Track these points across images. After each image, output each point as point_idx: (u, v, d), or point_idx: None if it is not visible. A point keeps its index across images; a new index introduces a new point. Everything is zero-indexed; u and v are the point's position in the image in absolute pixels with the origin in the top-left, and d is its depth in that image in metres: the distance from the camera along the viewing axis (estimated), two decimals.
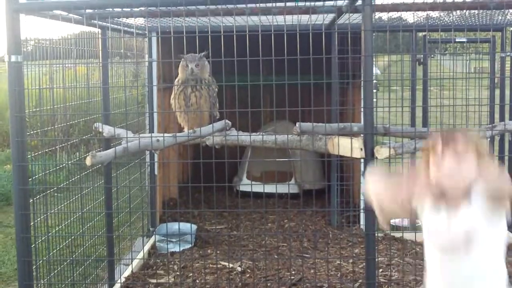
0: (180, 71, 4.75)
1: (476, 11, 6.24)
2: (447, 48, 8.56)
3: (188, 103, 4.63)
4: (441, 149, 2.66)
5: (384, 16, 7.40)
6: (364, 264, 5.77)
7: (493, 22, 7.00)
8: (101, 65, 5.43)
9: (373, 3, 3.90)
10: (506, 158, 7.06)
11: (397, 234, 6.95)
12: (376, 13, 5.52)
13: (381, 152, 3.91)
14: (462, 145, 2.65)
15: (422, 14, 6.70)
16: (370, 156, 3.91)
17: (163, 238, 6.91)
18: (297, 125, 4.21)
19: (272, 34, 3.96)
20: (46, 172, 4.98)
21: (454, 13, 6.59)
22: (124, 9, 4.44)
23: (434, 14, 7.00)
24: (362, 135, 4.04)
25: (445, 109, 6.33)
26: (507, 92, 7.03)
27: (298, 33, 3.94)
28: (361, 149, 3.91)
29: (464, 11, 6.27)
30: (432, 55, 8.26)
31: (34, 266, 4.48)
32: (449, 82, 7.06)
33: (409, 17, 6.98)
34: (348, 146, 3.98)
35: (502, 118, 6.89)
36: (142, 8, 4.45)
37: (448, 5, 4.41)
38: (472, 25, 7.00)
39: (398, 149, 3.99)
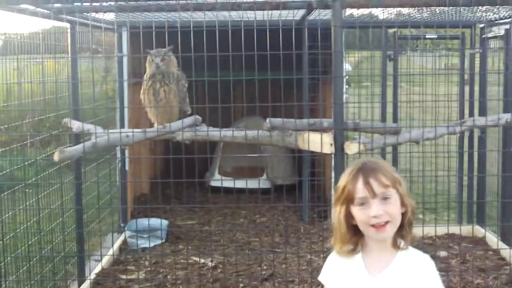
0: (147, 66, 4.73)
1: (446, 8, 6.28)
2: (417, 45, 8.61)
3: (157, 98, 4.60)
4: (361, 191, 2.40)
5: (355, 12, 7.42)
6: None
7: (462, 19, 7.06)
8: (70, 60, 5.38)
9: None
10: (475, 154, 7.14)
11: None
12: (347, 9, 5.53)
13: (351, 148, 3.92)
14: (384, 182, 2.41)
15: (392, 10, 6.73)
16: (340, 151, 3.92)
17: (134, 234, 6.88)
18: (267, 120, 4.21)
19: (242, 30, 3.95)
20: (14, 167, 4.92)
21: (424, 10, 6.63)
22: (93, 4, 4.39)
23: (405, 10, 7.04)
24: (332, 130, 4.05)
25: (415, 105, 6.39)
26: (476, 88, 7.09)
27: (268, 29, 3.94)
28: (331, 144, 3.93)
29: (434, 8, 6.31)
30: (402, 52, 8.30)
31: (2, 263, 4.43)
32: (419, 78, 7.11)
33: (380, 13, 7.02)
34: (318, 142, 3.99)
35: (471, 114, 6.96)
36: (112, 3, 4.41)
37: (417, 2, 4.42)
38: (441, 22, 7.05)
39: (367, 145, 4.01)
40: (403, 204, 2.44)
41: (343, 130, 4.01)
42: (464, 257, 6.21)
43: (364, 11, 6.65)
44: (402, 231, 2.46)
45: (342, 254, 2.53)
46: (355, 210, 2.42)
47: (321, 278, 2.62)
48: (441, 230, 6.58)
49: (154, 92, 4.63)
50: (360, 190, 2.39)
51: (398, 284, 2.43)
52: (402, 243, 2.46)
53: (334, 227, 2.53)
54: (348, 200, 2.43)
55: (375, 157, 2.73)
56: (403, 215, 2.45)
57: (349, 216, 2.45)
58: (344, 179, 2.46)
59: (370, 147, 4.06)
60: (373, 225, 2.40)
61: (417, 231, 5.94)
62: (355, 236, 2.48)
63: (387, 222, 2.39)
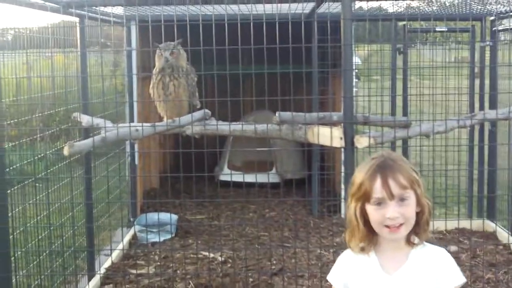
0: (156, 60, 4.71)
1: (455, 1, 6.25)
2: (427, 38, 8.56)
3: (166, 92, 4.59)
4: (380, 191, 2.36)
5: (365, 5, 7.40)
6: None
7: (472, 12, 7.02)
8: (79, 54, 5.38)
9: None
10: (486, 147, 7.10)
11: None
12: (356, 2, 5.51)
13: (361, 142, 3.91)
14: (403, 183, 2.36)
15: (402, 3, 6.70)
16: (350, 145, 3.90)
17: (143, 228, 6.88)
18: (277, 114, 4.20)
19: (251, 23, 3.93)
20: (24, 162, 4.93)
21: (434, 2, 6.60)
22: None
23: (414, 3, 7.01)
24: (342, 124, 4.03)
25: (425, 98, 6.35)
26: (487, 82, 7.05)
27: (277, 22, 3.92)
28: (341, 138, 3.91)
29: (444, 0, 6.28)
30: (412, 45, 8.26)
31: (13, 257, 4.44)
32: (429, 71, 7.08)
33: (389, 6, 6.99)
34: (328, 135, 3.98)
35: (481, 107, 6.92)
36: None
37: None
38: (452, 14, 7.01)
39: (377, 139, 3.99)
40: (419, 203, 2.39)
41: (353, 123, 3.99)
42: (475, 252, 6.19)
43: (374, 4, 6.62)
44: (417, 229, 2.42)
45: (357, 251, 2.49)
46: (370, 209, 2.38)
47: (329, 277, 2.59)
48: (451, 224, 6.56)
49: (163, 86, 4.62)
50: (378, 190, 2.35)
51: (417, 281, 2.40)
52: (416, 240, 2.43)
53: (349, 223, 2.49)
54: (365, 198, 2.39)
55: (392, 151, 2.63)
56: (419, 214, 2.40)
57: (364, 213, 2.41)
58: (361, 175, 2.41)
59: (380, 141, 4.04)
60: (387, 226, 2.36)
61: (434, 225, 5.94)
62: (370, 233, 2.44)
63: (401, 224, 2.36)
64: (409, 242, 2.43)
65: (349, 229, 2.50)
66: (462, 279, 2.42)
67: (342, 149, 4.16)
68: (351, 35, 3.87)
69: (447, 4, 6.85)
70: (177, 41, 4.58)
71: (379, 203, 2.35)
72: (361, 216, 2.42)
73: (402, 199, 2.35)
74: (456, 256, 5.89)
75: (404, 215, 2.34)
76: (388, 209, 2.33)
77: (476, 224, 6.83)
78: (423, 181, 2.46)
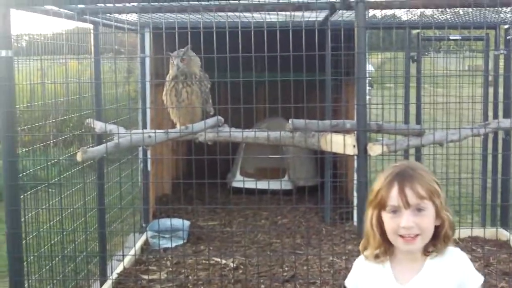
0: (170, 67, 4.73)
1: (470, 9, 6.23)
2: (441, 46, 8.55)
3: (179, 99, 4.60)
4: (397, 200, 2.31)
5: (378, 13, 7.39)
6: None
7: (486, 20, 7.00)
8: (93, 60, 5.41)
9: (366, 0, 3.88)
10: (499, 156, 7.07)
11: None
12: (370, 10, 5.50)
13: (374, 149, 3.90)
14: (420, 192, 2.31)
15: (416, 11, 6.69)
16: (363, 153, 3.90)
17: (155, 234, 6.89)
18: (290, 121, 4.20)
19: (265, 31, 3.94)
20: (37, 167, 4.95)
21: (447, 10, 6.58)
22: (116, 5, 4.40)
23: (428, 11, 7.00)
24: (355, 132, 4.03)
25: (438, 107, 6.34)
26: (501, 90, 7.02)
27: (291, 30, 3.92)
28: (354, 146, 3.90)
29: (458, 9, 6.26)
30: (426, 53, 8.25)
31: (25, 262, 4.45)
32: (442, 79, 7.07)
33: (403, 14, 6.98)
34: (341, 143, 3.97)
35: (495, 116, 6.89)
36: (134, 4, 4.42)
37: (441, 2, 4.39)
38: (466, 22, 6.99)
39: (391, 146, 3.98)
40: (438, 216, 2.34)
41: (366, 131, 3.98)
42: (488, 261, 6.15)
43: (387, 12, 6.62)
44: (436, 242, 2.36)
45: (372, 259, 2.45)
46: (386, 217, 2.35)
47: (347, 282, 2.56)
48: (465, 233, 6.52)
49: (176, 93, 4.63)
50: (394, 198, 2.31)
51: None
52: (431, 249, 2.38)
53: (366, 231, 2.45)
54: (381, 205, 2.35)
55: (415, 161, 2.58)
56: (438, 228, 2.35)
57: (381, 222, 2.38)
58: (379, 182, 2.38)
59: (393, 148, 4.03)
60: (401, 236, 2.32)
61: None
62: (386, 242, 2.40)
63: (417, 235, 2.31)
64: (425, 252, 2.38)
65: (365, 237, 2.46)
66: (480, 279, 2.39)
67: (355, 157, 4.15)
68: (365, 43, 3.86)
69: (461, 13, 6.83)
70: (186, 47, 4.58)
71: (395, 211, 2.32)
72: (377, 225, 2.39)
73: (418, 209, 2.30)
74: None
75: (419, 225, 2.30)
76: (403, 218, 2.29)
77: (490, 232, 6.79)
78: (444, 194, 2.40)
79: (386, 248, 2.42)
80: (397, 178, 2.33)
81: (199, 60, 4.71)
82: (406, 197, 2.29)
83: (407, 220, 2.29)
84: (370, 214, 2.41)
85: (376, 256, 2.44)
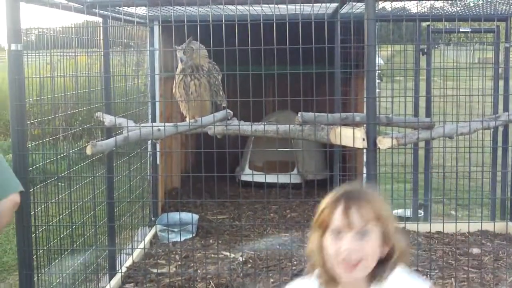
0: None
1: (480, 1, 6.20)
2: (451, 39, 8.50)
3: (188, 91, 4.59)
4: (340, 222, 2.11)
5: (388, 6, 7.35)
6: None
7: (497, 12, 6.95)
8: (102, 54, 5.41)
9: None
10: (510, 149, 7.03)
11: (400, 225, 6.91)
12: (380, 2, 5.48)
13: (384, 143, 3.87)
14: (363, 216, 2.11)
15: (425, 4, 6.66)
16: (372, 146, 3.87)
17: (164, 228, 6.89)
18: (299, 114, 4.18)
19: (274, 23, 3.92)
20: (47, 161, 4.95)
21: (458, 3, 6.54)
22: None
23: (438, 4, 6.95)
24: (364, 125, 4.01)
25: (448, 99, 6.31)
26: (511, 83, 6.98)
27: (300, 22, 3.90)
28: (364, 139, 3.88)
29: (468, 1, 6.23)
30: (436, 46, 8.20)
31: (35, 256, 4.46)
32: (452, 72, 7.03)
33: (412, 7, 6.95)
34: (351, 136, 3.95)
35: (506, 109, 6.86)
36: None
37: None
38: (476, 15, 6.95)
39: (400, 140, 3.96)
40: (386, 242, 2.13)
41: (376, 124, 3.96)
42: (497, 254, 6.12)
43: (397, 4, 6.58)
44: (383, 270, 2.15)
45: (323, 285, 2.23)
46: (327, 240, 2.13)
47: None
48: (474, 226, 6.50)
49: (185, 86, 4.62)
50: (337, 218, 2.10)
51: None
52: (377, 276, 2.16)
53: (309, 254, 2.23)
54: (323, 226, 2.14)
55: (368, 187, 2.31)
56: (388, 255, 2.14)
57: (323, 245, 2.16)
58: (325, 201, 2.17)
59: (403, 142, 4.01)
60: (342, 262, 2.09)
61: (450, 227, 5.89)
62: (329, 268, 2.17)
63: (359, 262, 2.08)
64: (371, 279, 2.16)
65: (309, 260, 2.26)
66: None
67: (364, 150, 4.13)
68: (375, 35, 3.84)
69: (472, 5, 6.79)
70: (188, 40, 4.56)
71: (338, 233, 2.10)
72: (319, 248, 2.17)
73: (363, 233, 2.09)
74: (478, 258, 5.88)
75: (362, 250, 2.08)
76: (345, 241, 2.08)
77: (499, 226, 6.76)
78: (395, 220, 2.21)
79: (330, 274, 2.18)
80: (344, 197, 2.14)
81: (206, 51, 4.67)
82: (350, 217, 2.09)
83: (349, 244, 2.08)
84: (312, 235, 2.20)
85: (327, 283, 2.22)
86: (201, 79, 4.59)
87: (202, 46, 4.63)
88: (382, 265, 2.14)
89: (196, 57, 4.62)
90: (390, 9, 7.43)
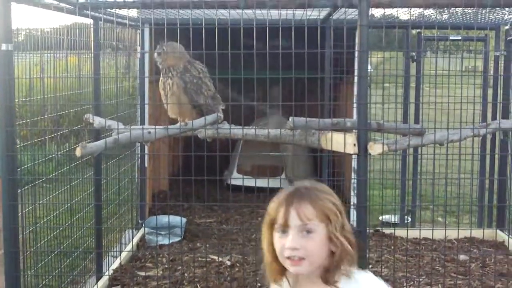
0: None
1: (469, 10, 6.23)
2: (438, 46, 8.53)
3: (166, 92, 4.61)
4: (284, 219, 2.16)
5: (376, 13, 7.38)
6: None
7: (486, 21, 7.00)
8: (92, 55, 5.39)
9: None
10: (496, 157, 7.07)
11: (388, 231, 6.94)
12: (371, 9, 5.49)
13: (375, 148, 3.88)
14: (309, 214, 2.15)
15: (414, 11, 6.69)
16: (363, 152, 3.88)
17: (152, 230, 6.87)
18: (290, 119, 4.17)
19: (267, 28, 3.92)
20: (35, 162, 4.93)
21: (445, 11, 6.58)
22: (117, 0, 4.38)
23: (426, 12, 6.99)
24: (355, 130, 4.01)
25: (436, 107, 6.33)
26: (500, 91, 7.03)
27: (293, 27, 3.91)
28: (355, 144, 3.89)
29: (456, 9, 6.26)
30: (423, 53, 8.23)
31: (21, 257, 4.43)
32: (442, 80, 7.05)
33: (401, 14, 6.97)
34: (342, 142, 3.96)
35: (494, 117, 6.90)
36: None
37: (444, 2, 4.37)
38: (468, 23, 7.00)
39: (391, 146, 3.97)
40: (331, 240, 2.15)
41: (367, 130, 3.97)
42: (484, 261, 6.15)
43: (384, 11, 6.61)
44: (331, 268, 2.18)
45: (272, 283, 2.30)
46: (275, 237, 2.20)
47: None
48: (462, 233, 6.52)
49: (164, 87, 4.64)
50: (281, 216, 2.16)
51: None
52: (334, 280, 2.19)
53: (263, 253, 2.29)
54: (271, 224, 2.21)
55: (318, 182, 2.33)
56: (332, 253, 2.17)
57: (272, 242, 2.22)
58: (274, 199, 2.24)
59: (393, 148, 4.02)
60: (288, 257, 2.16)
61: (437, 233, 5.91)
62: (282, 266, 2.23)
63: (302, 258, 2.14)
64: (326, 280, 2.19)
65: (264, 261, 2.31)
66: None
67: (355, 156, 4.14)
68: (368, 41, 3.85)
69: (459, 13, 6.83)
70: (161, 42, 4.59)
71: (283, 231, 2.16)
72: (269, 245, 2.24)
73: (307, 231, 2.14)
74: (465, 265, 5.90)
75: (305, 248, 2.13)
76: (288, 239, 2.14)
77: (486, 233, 6.79)
78: (344, 218, 2.22)
79: (282, 272, 2.25)
80: (288, 196, 2.20)
81: (179, 52, 4.64)
82: (291, 216, 2.15)
83: (291, 241, 2.13)
84: (263, 234, 2.27)
85: (275, 280, 2.29)
86: (174, 78, 4.58)
87: (179, 47, 4.61)
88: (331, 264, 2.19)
89: (167, 58, 4.62)
90: (378, 16, 7.46)
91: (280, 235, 2.18)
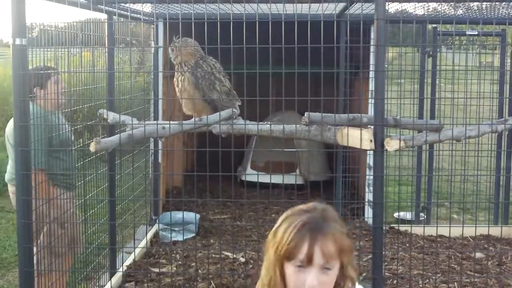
0: None
1: (484, 4, 6.16)
2: (453, 42, 8.46)
3: (179, 88, 4.60)
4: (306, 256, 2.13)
5: (390, 8, 7.32)
6: (368, 257, 5.72)
7: (503, 16, 6.93)
8: (107, 50, 5.37)
9: None
10: None
11: (403, 228, 6.89)
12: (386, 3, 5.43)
13: (391, 144, 3.83)
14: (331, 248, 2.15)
15: (429, 6, 6.62)
16: (380, 148, 3.83)
17: (166, 227, 6.86)
18: (305, 115, 4.13)
19: (283, 23, 3.87)
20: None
21: (461, 6, 6.52)
22: None
23: (441, 6, 6.92)
24: (371, 126, 3.96)
25: (447, 102, 6.28)
26: None
27: (309, 22, 3.86)
28: (371, 140, 3.84)
29: (472, 4, 6.20)
30: (438, 49, 8.17)
31: (35, 253, 4.42)
32: (458, 75, 6.98)
33: (415, 9, 6.90)
34: (358, 137, 3.90)
35: (511, 113, 6.83)
36: None
37: None
38: (485, 18, 6.94)
39: (408, 142, 3.91)
40: (342, 275, 2.21)
41: (384, 126, 3.91)
42: (501, 259, 6.09)
43: (398, 6, 6.55)
44: None
45: None
46: (290, 270, 2.16)
47: None
48: (477, 230, 6.47)
49: (177, 83, 4.63)
50: (304, 252, 2.13)
51: None
52: None
53: (265, 278, 2.26)
54: (286, 256, 2.16)
55: (327, 205, 2.32)
56: (337, 284, 2.22)
57: (283, 272, 2.20)
58: (288, 230, 2.18)
59: (410, 144, 3.96)
60: None
61: (453, 231, 5.85)
62: None
63: None
64: None
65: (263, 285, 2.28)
66: None
67: (370, 152, 4.08)
68: (385, 36, 3.79)
69: (476, 8, 6.76)
70: (175, 37, 4.57)
71: (301, 266, 2.14)
72: (280, 276, 2.21)
73: (326, 268, 2.15)
74: (482, 263, 5.84)
75: (323, 284, 2.15)
76: (309, 277, 2.13)
77: (503, 230, 6.73)
78: (353, 251, 2.27)
79: None
80: (309, 230, 2.16)
81: (191, 48, 4.62)
82: (316, 255, 2.13)
83: (312, 280, 2.13)
84: (272, 263, 2.22)
85: None
86: (185, 74, 4.56)
87: (193, 42, 4.59)
88: None
89: (179, 53, 4.60)
90: (392, 11, 7.39)
91: (297, 269, 2.15)
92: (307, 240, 2.13)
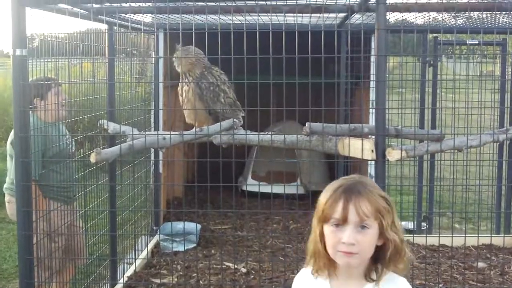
0: None
1: (484, 14, 6.17)
2: (453, 51, 8.47)
3: (183, 98, 4.59)
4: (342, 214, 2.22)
5: (391, 18, 7.32)
6: None
7: (503, 25, 6.94)
8: (107, 61, 5.37)
9: (387, 2, 3.81)
10: None
11: (405, 237, 6.85)
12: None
13: (393, 154, 3.82)
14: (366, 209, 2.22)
15: (429, 15, 6.62)
16: (381, 157, 3.82)
17: (167, 237, 6.84)
18: (306, 125, 4.12)
19: (284, 33, 3.87)
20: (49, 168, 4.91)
21: (462, 15, 6.52)
22: (132, 5, 4.35)
23: (442, 16, 6.93)
24: (372, 136, 3.95)
25: (448, 112, 6.27)
26: None
27: (310, 32, 3.85)
28: (372, 150, 3.83)
29: (472, 13, 6.20)
30: (438, 58, 8.19)
31: (36, 264, 4.40)
32: (459, 84, 6.98)
33: (413, 18, 6.90)
34: (359, 148, 3.90)
35: (511, 122, 6.82)
36: (150, 4, 4.37)
37: (463, 5, 4.31)
38: (486, 27, 6.94)
39: (410, 152, 3.91)
40: (382, 236, 2.25)
41: (385, 136, 3.91)
42: (503, 269, 6.06)
43: (398, 16, 6.54)
44: (378, 264, 2.28)
45: (315, 274, 2.37)
46: (328, 230, 2.25)
47: None
48: (480, 240, 6.44)
49: (181, 93, 4.63)
50: (338, 212, 2.21)
51: None
52: (374, 276, 2.28)
53: (310, 243, 2.36)
54: (325, 219, 2.25)
55: (365, 177, 2.40)
56: (382, 248, 2.27)
57: (323, 235, 2.28)
58: (326, 194, 2.28)
59: (412, 154, 3.96)
60: (340, 253, 2.22)
61: (455, 240, 5.83)
62: (330, 259, 2.30)
63: (356, 253, 2.21)
64: (367, 275, 2.29)
65: (310, 251, 2.37)
66: None
67: (371, 162, 4.08)
68: (386, 46, 3.79)
69: (476, 17, 6.77)
70: (177, 45, 4.57)
71: (337, 225, 2.22)
72: (320, 237, 2.29)
73: (362, 226, 2.21)
74: (484, 273, 5.81)
75: (361, 243, 2.20)
76: (345, 234, 2.20)
77: (505, 240, 6.70)
78: (395, 214, 2.30)
79: (329, 264, 2.32)
80: (344, 192, 2.24)
81: (194, 58, 4.60)
82: (351, 213, 2.20)
83: (348, 237, 2.19)
84: (315, 226, 2.32)
85: (318, 271, 2.37)
86: (190, 84, 4.55)
87: (195, 52, 4.58)
88: (378, 260, 2.29)
89: (180, 64, 4.60)
90: (392, 21, 7.39)
91: (334, 229, 2.23)
92: (342, 200, 2.22)
